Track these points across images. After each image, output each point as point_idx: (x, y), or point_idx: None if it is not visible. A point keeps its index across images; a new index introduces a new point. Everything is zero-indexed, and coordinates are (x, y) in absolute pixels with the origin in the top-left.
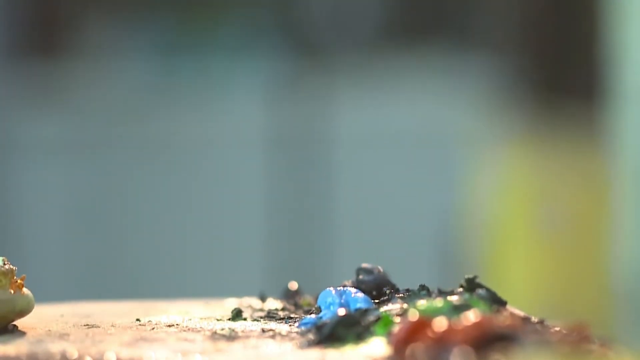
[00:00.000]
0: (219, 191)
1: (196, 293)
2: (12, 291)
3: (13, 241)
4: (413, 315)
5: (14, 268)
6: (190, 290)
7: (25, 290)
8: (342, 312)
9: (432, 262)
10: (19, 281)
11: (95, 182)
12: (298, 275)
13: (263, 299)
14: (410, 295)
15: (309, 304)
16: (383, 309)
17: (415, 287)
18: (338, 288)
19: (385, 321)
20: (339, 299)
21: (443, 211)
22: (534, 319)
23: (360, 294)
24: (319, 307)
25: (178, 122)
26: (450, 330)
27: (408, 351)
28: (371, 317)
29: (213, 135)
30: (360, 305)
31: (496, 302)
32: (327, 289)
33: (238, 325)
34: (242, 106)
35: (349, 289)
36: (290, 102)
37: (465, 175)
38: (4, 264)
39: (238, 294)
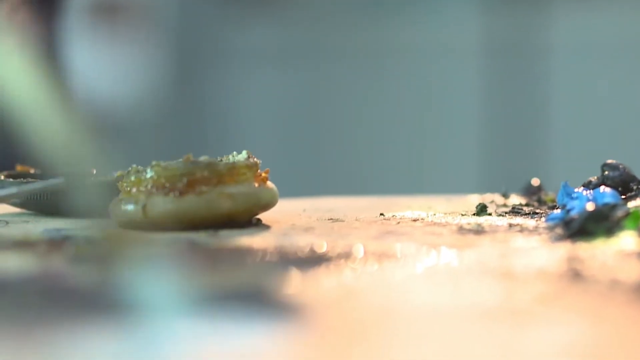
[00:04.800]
0: (434, 99)
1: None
2: (257, 184)
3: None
4: None
5: (258, 161)
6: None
7: (269, 183)
8: (590, 207)
9: None
10: (263, 174)
11: (316, 88)
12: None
13: (505, 195)
14: None
15: (552, 200)
16: (631, 204)
17: None
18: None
19: (635, 216)
20: (585, 193)
21: None
22: None
23: (608, 189)
24: (563, 205)
25: (391, 30)
26: None
27: None
28: (620, 212)
29: (427, 44)
30: (609, 200)
31: None
32: (565, 182)
33: (483, 220)
34: (457, 14)
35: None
36: (507, 9)
37: None
38: (248, 157)
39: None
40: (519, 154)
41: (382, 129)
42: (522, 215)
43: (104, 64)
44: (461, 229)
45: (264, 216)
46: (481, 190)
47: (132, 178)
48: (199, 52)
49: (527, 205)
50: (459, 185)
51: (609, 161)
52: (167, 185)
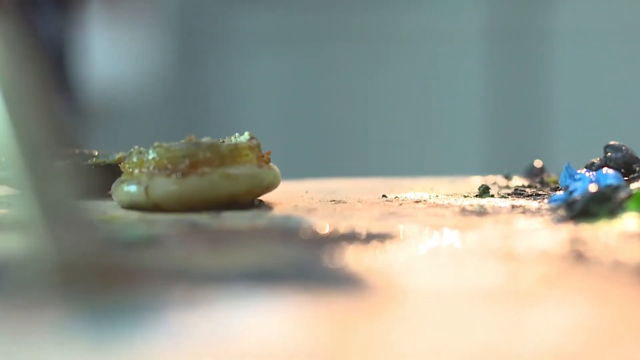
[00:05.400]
0: (438, 82)
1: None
2: (259, 166)
3: (243, 128)
4: None
5: (260, 143)
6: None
7: (271, 165)
8: (593, 188)
9: None
10: (265, 156)
11: (319, 71)
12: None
13: (508, 177)
14: None
15: (555, 182)
16: (634, 185)
17: None
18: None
19: (637, 197)
20: (588, 175)
21: None
22: None
23: (611, 171)
24: (565, 186)
25: (394, 14)
26: None
27: None
28: (623, 194)
29: (430, 27)
30: (611, 181)
31: None
32: (568, 164)
33: (486, 202)
34: None
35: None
36: None
37: None
38: (251, 138)
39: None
40: (522, 136)
41: (385, 112)
42: (524, 196)
43: (107, 46)
44: (464, 211)
45: (266, 197)
46: (484, 172)
47: (135, 159)
48: (202, 35)
49: (529, 186)
50: (462, 167)
51: (612, 142)
52: (170, 166)
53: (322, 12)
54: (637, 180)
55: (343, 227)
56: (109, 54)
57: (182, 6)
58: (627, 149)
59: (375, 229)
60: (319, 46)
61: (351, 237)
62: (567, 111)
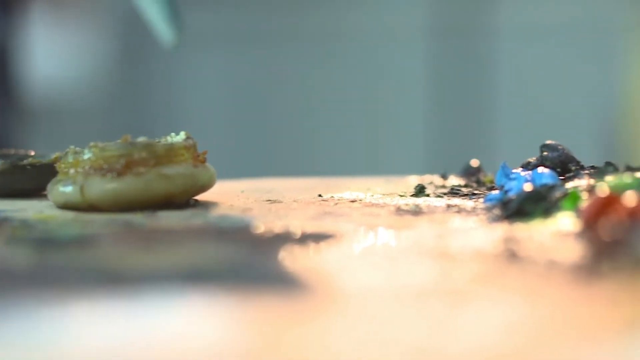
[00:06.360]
0: (379, 81)
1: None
2: (195, 165)
3: (184, 127)
4: (602, 191)
5: (196, 142)
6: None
7: (207, 164)
8: (528, 187)
9: (595, 154)
10: (201, 155)
11: (260, 71)
12: (458, 166)
13: (444, 176)
14: (597, 172)
15: (491, 181)
16: (570, 185)
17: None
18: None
19: (573, 197)
20: (523, 174)
21: (606, 104)
22: None
23: (547, 170)
24: (501, 186)
25: (337, 12)
26: None
27: (599, 225)
28: (558, 193)
29: (373, 25)
30: (547, 180)
31: None
32: (504, 163)
33: (422, 201)
34: None
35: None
36: None
37: (632, 68)
38: (187, 137)
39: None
40: (463, 136)
41: (324, 111)
42: (460, 196)
43: (48, 46)
44: (399, 210)
45: (202, 197)
46: (426, 172)
47: (70, 159)
48: (144, 35)
49: (465, 186)
50: (403, 167)
51: (548, 142)
52: (105, 166)
53: (263, 12)
54: (573, 180)
55: (278, 227)
56: (51, 55)
57: (124, 7)
58: (563, 148)
59: (310, 228)
60: (259, 46)
61: (286, 237)
62: (508, 110)
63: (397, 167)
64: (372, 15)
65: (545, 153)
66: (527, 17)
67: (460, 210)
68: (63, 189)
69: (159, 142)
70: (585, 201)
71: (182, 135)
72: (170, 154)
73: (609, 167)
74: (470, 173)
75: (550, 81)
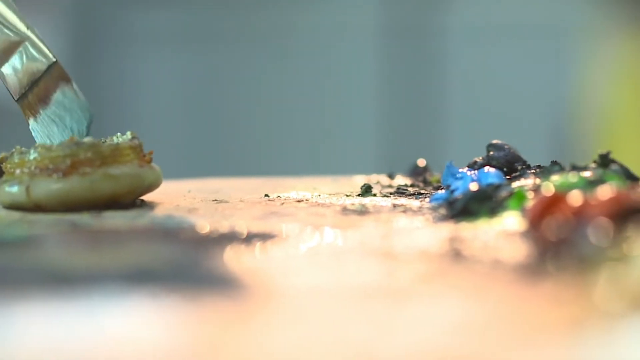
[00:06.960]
0: (331, 81)
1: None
2: (141, 165)
3: (132, 127)
4: (548, 190)
5: (142, 142)
6: (301, 170)
7: (153, 164)
8: (474, 187)
9: (546, 154)
10: (147, 155)
11: (210, 70)
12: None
13: (391, 176)
14: (543, 171)
15: (438, 181)
16: (515, 184)
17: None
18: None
19: (518, 196)
20: (470, 174)
21: (558, 105)
22: None
23: (493, 170)
24: (447, 185)
25: (288, 11)
26: (586, 205)
27: (545, 225)
28: (504, 193)
29: (324, 25)
30: (492, 180)
31: (630, 178)
32: (450, 162)
33: (368, 201)
34: None
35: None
36: None
37: (582, 69)
38: (132, 138)
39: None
40: (414, 136)
41: (273, 110)
42: (406, 195)
43: None
44: (345, 210)
45: (148, 197)
46: (374, 171)
47: (16, 159)
48: (95, 34)
49: (412, 186)
50: (352, 166)
51: (494, 141)
52: (51, 166)
53: (215, 11)
54: (519, 179)
55: (223, 227)
56: None
57: (75, 4)
58: (509, 148)
59: (256, 228)
60: (207, 45)
61: (231, 237)
62: (458, 110)
63: (346, 166)
64: (323, 14)
65: (491, 152)
66: (478, 17)
67: (406, 209)
68: (9, 189)
69: (104, 142)
70: (530, 201)
71: (128, 135)
72: (116, 154)
73: (555, 167)
74: (417, 173)
75: (501, 81)
